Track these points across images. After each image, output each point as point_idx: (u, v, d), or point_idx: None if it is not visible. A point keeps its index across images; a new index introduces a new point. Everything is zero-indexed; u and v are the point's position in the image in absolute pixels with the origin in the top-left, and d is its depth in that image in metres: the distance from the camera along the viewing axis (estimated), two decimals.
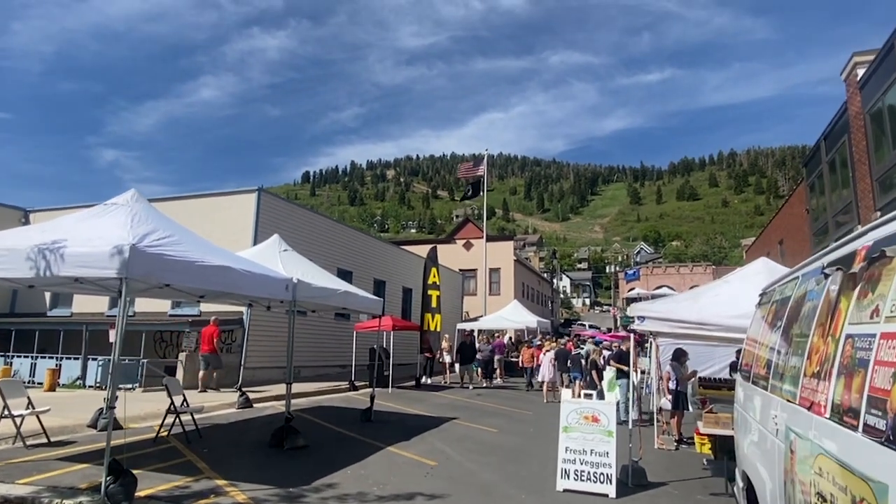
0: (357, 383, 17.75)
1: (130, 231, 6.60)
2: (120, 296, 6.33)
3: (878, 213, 12.61)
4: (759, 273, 7.69)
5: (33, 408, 8.35)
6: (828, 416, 2.26)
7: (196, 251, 7.37)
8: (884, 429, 1.75)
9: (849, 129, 15.03)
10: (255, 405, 12.97)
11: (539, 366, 18.30)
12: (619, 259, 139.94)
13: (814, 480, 2.33)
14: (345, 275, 20.74)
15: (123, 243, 6.13)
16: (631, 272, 71.41)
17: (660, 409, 11.36)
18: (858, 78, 14.39)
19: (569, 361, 16.41)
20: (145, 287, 8.61)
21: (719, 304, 7.65)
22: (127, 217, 7.08)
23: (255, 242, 15.16)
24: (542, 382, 17.07)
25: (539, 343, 20.55)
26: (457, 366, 20.39)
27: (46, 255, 6.34)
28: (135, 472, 6.93)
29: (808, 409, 2.51)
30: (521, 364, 20.62)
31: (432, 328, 20.15)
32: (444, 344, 21.56)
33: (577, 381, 15.54)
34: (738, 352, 10.21)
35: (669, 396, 11.01)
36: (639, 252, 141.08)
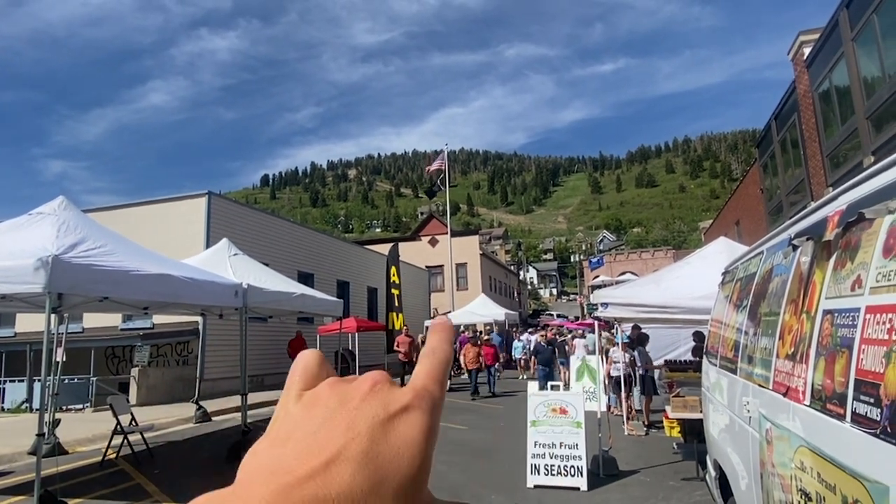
0: None
1: (56, 242, 6.09)
2: (45, 311, 5.85)
3: (830, 189, 12.81)
4: (721, 252, 7.59)
5: None
6: (807, 403, 2.02)
7: (132, 260, 6.88)
8: (877, 419, 1.51)
9: (798, 107, 15.25)
10: (214, 418, 12.39)
11: (488, 366, 16.35)
12: (584, 248, 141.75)
13: (795, 475, 2.10)
14: (306, 277, 20.20)
15: (46, 255, 5.63)
16: (595, 260, 72.18)
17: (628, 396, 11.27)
18: (805, 57, 14.60)
19: (556, 350, 17.34)
20: (81, 301, 8.08)
21: (681, 286, 7.53)
22: (53, 227, 6.54)
23: (208, 248, 14.54)
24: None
25: (487, 338, 17.52)
26: None
27: None
28: (76, 500, 6.45)
29: (784, 395, 2.28)
30: (464, 366, 16.85)
31: (396, 327, 19.69)
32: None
33: (564, 368, 16.61)
34: (696, 333, 10.23)
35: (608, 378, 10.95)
36: (602, 240, 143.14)
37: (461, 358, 16.82)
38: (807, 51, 14.46)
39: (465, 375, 21.13)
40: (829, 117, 13.58)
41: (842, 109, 12.67)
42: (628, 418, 10.43)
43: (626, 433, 9.84)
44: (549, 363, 15.06)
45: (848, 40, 11.81)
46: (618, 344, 10.86)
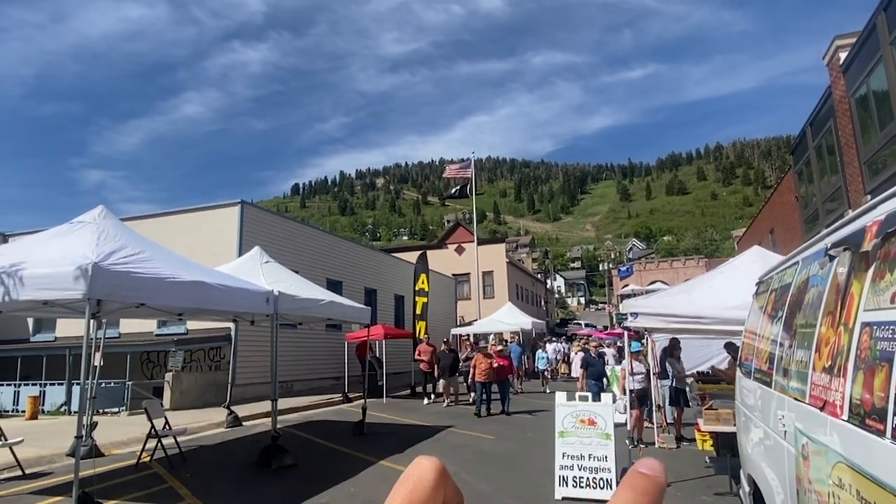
0: (351, 395, 17.39)
1: (95, 249, 6.29)
2: (85, 317, 6.04)
3: (868, 197, 12.43)
4: (754, 262, 7.44)
5: (5, 439, 7.97)
6: (845, 417, 1.97)
7: (168, 268, 7.06)
8: None
9: (834, 113, 14.88)
10: (244, 423, 12.60)
11: (502, 381, 14.65)
12: (612, 256, 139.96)
13: (832, 492, 2.04)
14: (334, 285, 20.41)
15: (86, 262, 5.83)
16: (624, 269, 71.25)
17: (656, 406, 11.02)
18: (841, 62, 14.25)
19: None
20: (119, 307, 8.29)
21: (714, 296, 7.39)
22: (93, 235, 6.77)
23: (240, 256, 14.82)
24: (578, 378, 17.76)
25: (501, 349, 15.54)
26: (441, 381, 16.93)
27: (4, 280, 6.01)
28: (111, 502, 6.61)
29: (821, 409, 2.23)
30: (471, 379, 14.85)
31: (420, 336, 19.60)
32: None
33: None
34: (728, 345, 9.97)
35: (625, 396, 10.14)
36: (631, 248, 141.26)
37: (471, 370, 15.12)
38: (842, 55, 14.11)
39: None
40: (866, 123, 13.21)
41: (880, 115, 12.32)
42: (660, 431, 10.24)
43: (657, 445, 9.67)
44: (602, 377, 13.44)
45: (886, 44, 11.50)
46: (636, 353, 10.38)
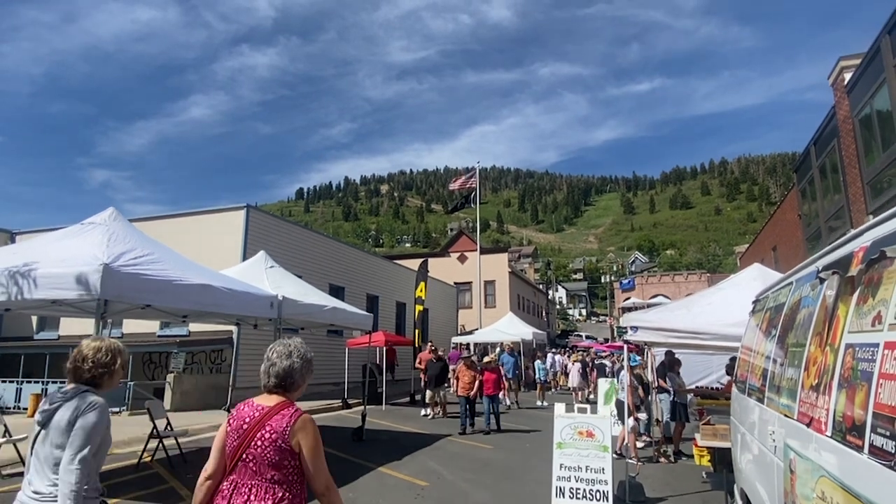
0: (350, 401, 17.44)
1: (106, 250, 6.39)
2: (95, 317, 6.14)
3: (871, 217, 12.49)
4: (754, 279, 7.52)
5: (10, 435, 8.06)
6: (829, 434, 2.08)
7: (176, 270, 7.16)
8: (892, 451, 1.57)
9: (838, 133, 14.99)
10: None
11: (488, 396, 12.85)
12: (615, 269, 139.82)
13: None
14: (337, 290, 20.52)
15: (96, 263, 5.94)
16: (626, 282, 71.24)
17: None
18: (846, 82, 14.38)
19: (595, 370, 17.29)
20: (125, 308, 8.39)
21: (713, 312, 7.47)
22: (103, 236, 6.87)
23: (244, 260, 14.93)
24: (573, 389, 19.12)
25: (490, 360, 13.80)
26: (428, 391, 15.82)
27: (18, 279, 6.12)
28: (112, 500, 6.69)
29: (808, 425, 2.33)
30: (455, 392, 13.62)
31: (417, 344, 19.55)
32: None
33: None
34: (733, 359, 10.03)
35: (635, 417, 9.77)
36: (633, 261, 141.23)
37: (454, 381, 13.91)
38: (847, 76, 14.25)
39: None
40: (869, 143, 13.32)
41: (883, 136, 12.43)
42: (659, 445, 10.27)
43: (655, 460, 9.71)
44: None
45: (890, 66, 11.63)
46: (634, 367, 10.09)
